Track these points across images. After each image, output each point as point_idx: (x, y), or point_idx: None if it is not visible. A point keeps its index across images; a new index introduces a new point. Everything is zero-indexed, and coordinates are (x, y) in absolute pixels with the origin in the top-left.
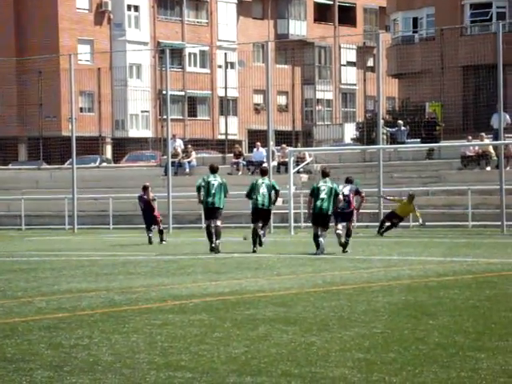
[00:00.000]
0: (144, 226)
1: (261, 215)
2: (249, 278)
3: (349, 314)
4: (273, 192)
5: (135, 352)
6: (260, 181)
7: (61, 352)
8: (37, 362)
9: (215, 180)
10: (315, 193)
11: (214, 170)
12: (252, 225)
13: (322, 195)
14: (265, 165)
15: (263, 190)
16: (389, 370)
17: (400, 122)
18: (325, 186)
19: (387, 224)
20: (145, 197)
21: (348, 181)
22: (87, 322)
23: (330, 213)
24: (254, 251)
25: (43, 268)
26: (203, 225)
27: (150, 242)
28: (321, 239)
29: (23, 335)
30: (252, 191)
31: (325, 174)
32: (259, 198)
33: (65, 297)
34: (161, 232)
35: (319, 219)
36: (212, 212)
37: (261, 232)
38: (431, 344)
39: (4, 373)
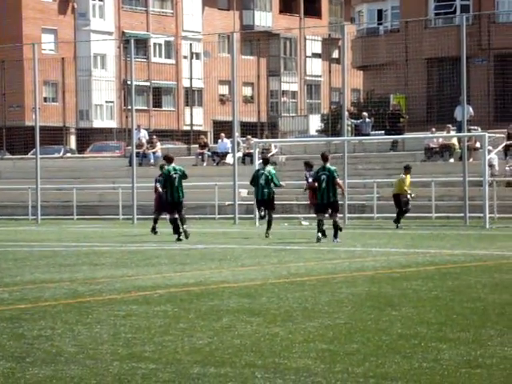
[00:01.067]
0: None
1: (263, 204)
2: (213, 268)
3: (313, 305)
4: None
5: (98, 343)
6: (260, 171)
7: (23, 343)
8: None
9: (176, 174)
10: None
11: (170, 160)
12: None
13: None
14: (230, 155)
15: (261, 181)
16: (352, 360)
17: (365, 113)
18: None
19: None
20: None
21: (309, 165)
22: (50, 312)
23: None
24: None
25: (6, 258)
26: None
27: (155, 232)
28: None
29: None
30: (253, 181)
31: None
32: (258, 191)
33: (28, 288)
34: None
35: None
36: (175, 205)
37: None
38: (394, 335)
39: None
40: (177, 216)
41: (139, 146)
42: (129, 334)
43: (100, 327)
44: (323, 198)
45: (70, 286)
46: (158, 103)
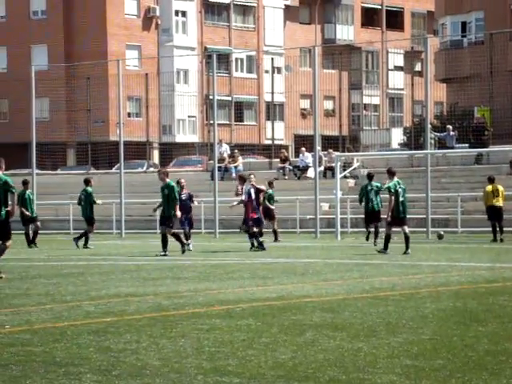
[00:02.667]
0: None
1: (372, 218)
2: (295, 283)
3: (397, 320)
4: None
5: (183, 357)
6: (369, 187)
7: (109, 356)
8: (86, 366)
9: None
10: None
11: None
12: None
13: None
14: (311, 169)
15: (372, 195)
16: (437, 376)
17: (449, 126)
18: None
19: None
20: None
21: (242, 179)
22: (135, 326)
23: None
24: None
25: (91, 272)
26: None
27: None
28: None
29: (72, 339)
30: (362, 196)
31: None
32: (369, 203)
33: (113, 301)
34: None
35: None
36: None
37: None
38: (480, 351)
39: (54, 376)
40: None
41: (221, 160)
42: (212, 347)
43: (184, 341)
44: (400, 211)
45: (154, 300)
46: (239, 117)
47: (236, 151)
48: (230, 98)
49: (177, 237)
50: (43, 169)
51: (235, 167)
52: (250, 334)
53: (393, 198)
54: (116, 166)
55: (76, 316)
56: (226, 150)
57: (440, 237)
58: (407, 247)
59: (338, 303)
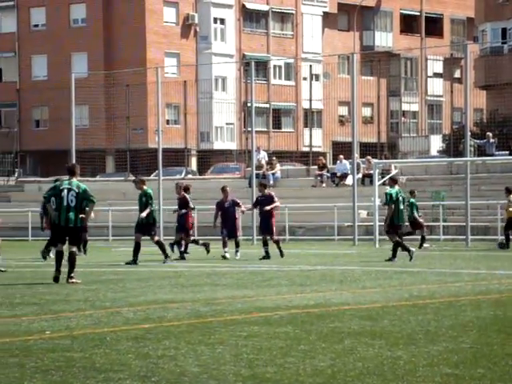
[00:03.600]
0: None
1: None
2: (333, 290)
3: (436, 328)
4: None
5: (221, 363)
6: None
7: (148, 362)
8: (125, 372)
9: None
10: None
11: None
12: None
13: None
14: (349, 176)
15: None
16: None
17: (489, 133)
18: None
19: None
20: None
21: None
22: (174, 333)
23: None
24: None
25: (130, 279)
26: (288, 236)
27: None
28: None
29: (111, 345)
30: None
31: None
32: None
33: (151, 307)
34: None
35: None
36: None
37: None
38: None
39: (93, 382)
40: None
41: (259, 167)
42: (251, 354)
43: (222, 347)
44: (400, 218)
45: (193, 306)
46: (277, 125)
47: (274, 158)
48: (267, 105)
49: (160, 245)
50: (82, 176)
51: (273, 174)
52: (288, 342)
53: (393, 206)
54: (154, 173)
55: (115, 322)
56: (263, 156)
57: (502, 246)
58: (394, 255)
59: (376, 311)
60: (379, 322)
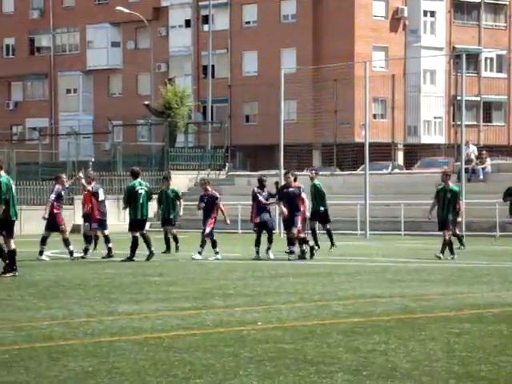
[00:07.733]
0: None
1: None
2: None
3: None
4: None
5: (433, 360)
6: None
7: (359, 356)
8: (336, 365)
9: (141, 189)
10: None
11: (135, 174)
12: None
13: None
14: None
15: None
16: None
17: None
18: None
19: None
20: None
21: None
22: (383, 327)
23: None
24: None
25: (338, 272)
26: (498, 232)
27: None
28: None
29: (322, 338)
30: None
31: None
32: None
33: (359, 301)
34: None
35: None
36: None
37: None
38: None
39: (305, 374)
40: (137, 234)
41: (468, 161)
42: (463, 352)
43: (434, 344)
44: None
45: (401, 302)
46: (487, 118)
47: (484, 152)
48: (478, 99)
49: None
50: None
51: (483, 169)
52: (502, 340)
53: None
54: (361, 167)
55: (324, 315)
56: (473, 151)
57: None
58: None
59: None
60: None
